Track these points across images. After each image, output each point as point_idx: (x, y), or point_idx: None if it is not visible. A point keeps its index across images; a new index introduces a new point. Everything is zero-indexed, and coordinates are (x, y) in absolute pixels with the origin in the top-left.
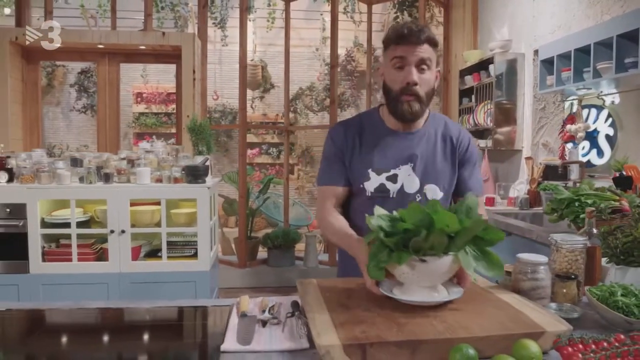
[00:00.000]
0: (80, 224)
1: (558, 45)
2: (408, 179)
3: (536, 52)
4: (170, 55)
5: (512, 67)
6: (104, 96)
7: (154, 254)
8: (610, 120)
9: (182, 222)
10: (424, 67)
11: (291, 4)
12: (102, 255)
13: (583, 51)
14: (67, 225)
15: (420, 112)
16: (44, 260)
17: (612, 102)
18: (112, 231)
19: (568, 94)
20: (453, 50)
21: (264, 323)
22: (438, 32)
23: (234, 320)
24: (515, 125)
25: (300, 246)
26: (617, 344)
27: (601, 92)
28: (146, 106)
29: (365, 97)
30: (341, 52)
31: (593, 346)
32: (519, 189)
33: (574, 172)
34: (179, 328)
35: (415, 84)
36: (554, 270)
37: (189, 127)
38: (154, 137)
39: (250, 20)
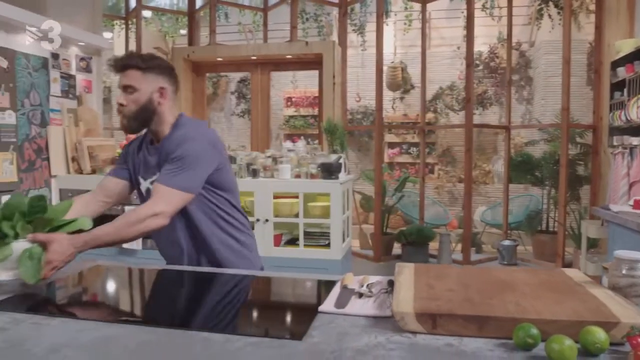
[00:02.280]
0: None
1: None
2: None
3: None
4: (314, 62)
5: None
6: (256, 102)
7: (292, 242)
8: None
9: (318, 214)
10: (130, 90)
11: (430, 4)
12: None
13: None
14: None
15: (130, 127)
16: None
17: None
18: (258, 220)
19: None
20: (606, 40)
21: (360, 295)
22: (589, 21)
23: (337, 290)
24: None
25: (435, 244)
26: None
27: None
28: (295, 109)
29: (506, 95)
30: (484, 49)
31: None
32: None
33: None
34: (294, 293)
35: (121, 105)
36: None
37: (325, 128)
38: (301, 137)
39: (386, 24)
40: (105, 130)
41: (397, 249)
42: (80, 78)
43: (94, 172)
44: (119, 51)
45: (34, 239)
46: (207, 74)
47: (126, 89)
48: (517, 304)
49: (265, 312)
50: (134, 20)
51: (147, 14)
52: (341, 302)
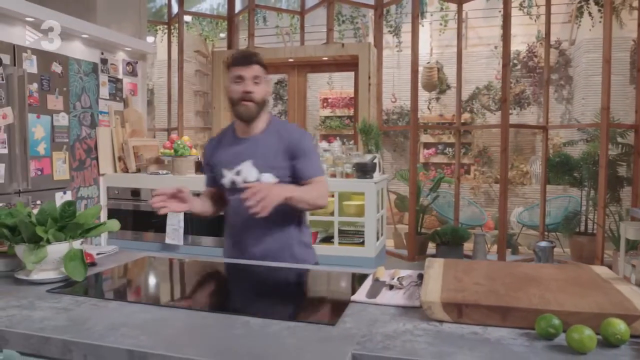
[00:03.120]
0: None
1: None
2: (248, 171)
3: None
4: (349, 64)
5: None
6: (293, 103)
7: (328, 239)
8: None
9: (353, 212)
10: (257, 81)
11: (466, 4)
12: None
13: None
14: None
15: (255, 113)
16: None
17: None
18: None
19: None
20: None
21: (391, 287)
22: (633, 17)
23: (369, 283)
24: None
25: (469, 245)
26: None
27: None
28: (331, 110)
29: (544, 95)
30: (522, 48)
31: None
32: None
33: None
34: (329, 284)
35: (249, 92)
36: None
37: (360, 129)
38: (337, 138)
39: (422, 25)
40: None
41: (431, 249)
42: (127, 81)
43: (138, 170)
44: (162, 55)
45: (253, 193)
46: None
47: (255, 78)
48: (541, 297)
49: (302, 301)
50: (176, 25)
51: (187, 18)
52: (372, 293)
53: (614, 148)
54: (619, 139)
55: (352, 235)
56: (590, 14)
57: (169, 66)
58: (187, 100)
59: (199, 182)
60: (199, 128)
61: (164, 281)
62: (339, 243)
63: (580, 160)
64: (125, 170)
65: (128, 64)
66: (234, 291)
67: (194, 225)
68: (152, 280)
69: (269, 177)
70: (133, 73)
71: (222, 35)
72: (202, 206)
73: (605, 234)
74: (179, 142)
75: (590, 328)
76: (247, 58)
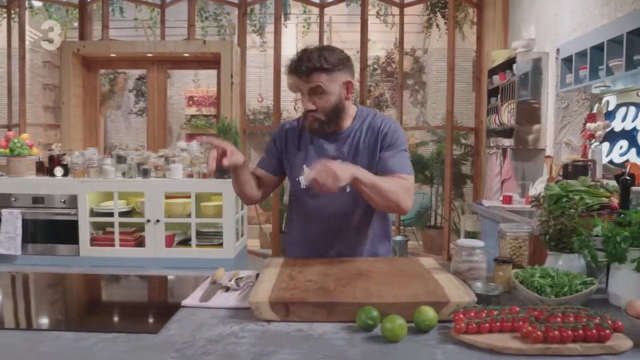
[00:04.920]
0: (123, 214)
1: (576, 44)
2: None
3: (558, 50)
4: (212, 62)
5: (537, 66)
6: (153, 100)
7: (186, 242)
8: None
9: (211, 213)
10: (319, 91)
11: (329, 9)
12: (141, 242)
13: (599, 49)
14: (111, 214)
15: (322, 128)
16: (91, 244)
17: None
18: (148, 220)
19: (606, 92)
20: (486, 50)
21: (227, 289)
22: (472, 32)
23: (205, 285)
24: (540, 124)
25: None
26: (506, 313)
27: None
28: (197, 109)
29: (398, 98)
30: (381, 53)
31: (484, 314)
32: (539, 187)
33: (599, 172)
34: (164, 289)
35: (311, 111)
36: (500, 255)
37: (218, 128)
38: (203, 137)
39: (285, 26)
40: None
41: None
42: None
43: None
44: (2, 43)
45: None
46: (102, 70)
47: (314, 91)
48: (366, 290)
49: (129, 309)
50: (17, 9)
51: (38, 4)
52: (206, 296)
53: (458, 148)
54: (463, 141)
55: (212, 237)
56: (437, 25)
57: (9, 55)
58: (35, 94)
59: (42, 184)
60: (48, 125)
61: None
62: (197, 245)
63: (430, 159)
64: None
65: None
66: (54, 305)
67: (37, 232)
68: None
69: None
70: None
71: (76, 24)
72: (249, 178)
73: (450, 227)
74: (16, 141)
75: (402, 317)
76: (300, 68)
